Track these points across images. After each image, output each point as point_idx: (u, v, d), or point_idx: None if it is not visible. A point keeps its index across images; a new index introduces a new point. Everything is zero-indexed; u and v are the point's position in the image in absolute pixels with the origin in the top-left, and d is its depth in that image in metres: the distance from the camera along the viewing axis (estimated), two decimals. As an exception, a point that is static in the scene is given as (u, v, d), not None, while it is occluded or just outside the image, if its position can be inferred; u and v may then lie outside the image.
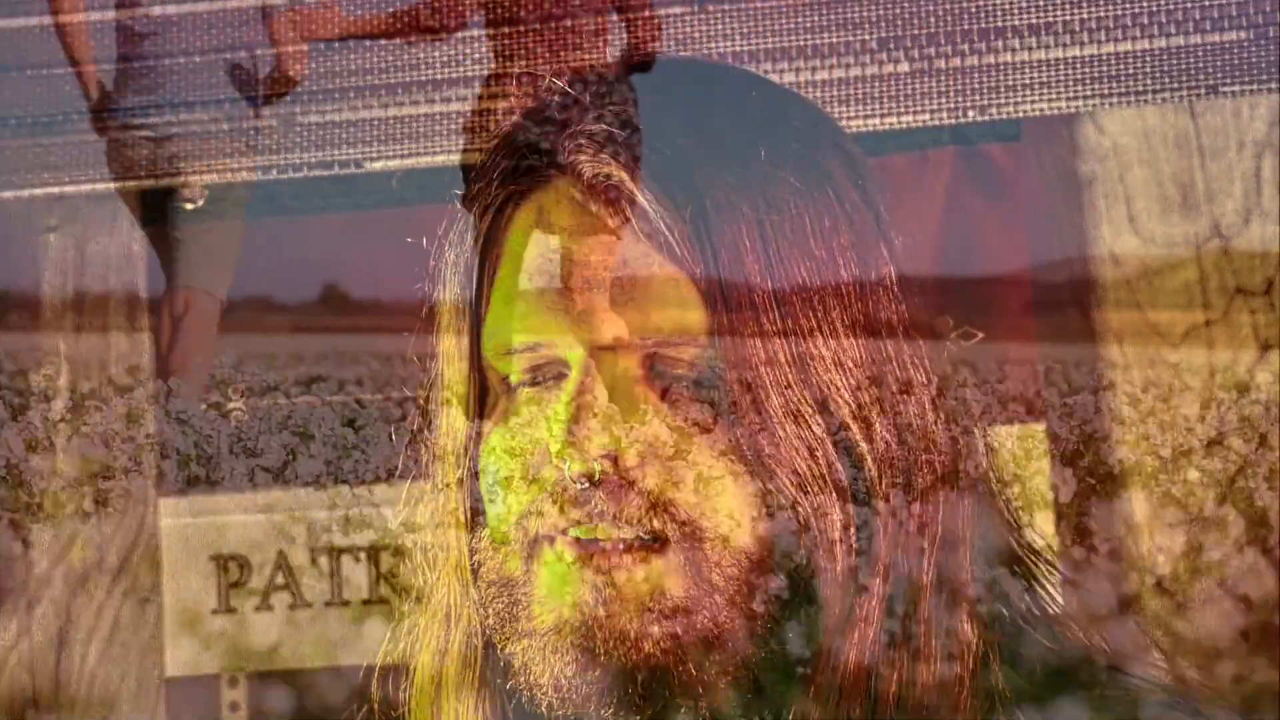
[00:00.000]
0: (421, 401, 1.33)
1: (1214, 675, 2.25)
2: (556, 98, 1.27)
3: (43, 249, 2.75)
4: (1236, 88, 2.40)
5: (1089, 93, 2.43)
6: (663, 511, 1.19)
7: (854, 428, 1.21)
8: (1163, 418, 2.46)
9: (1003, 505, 1.29)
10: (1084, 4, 2.42)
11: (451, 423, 1.29)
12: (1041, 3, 2.42)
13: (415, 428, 1.35)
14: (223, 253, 2.83)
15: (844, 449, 1.21)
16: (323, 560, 2.76)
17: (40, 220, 2.74)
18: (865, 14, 2.45)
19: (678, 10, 2.50)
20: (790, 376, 1.19)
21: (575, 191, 1.22)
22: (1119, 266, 2.48)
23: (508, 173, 1.26)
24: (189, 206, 2.69)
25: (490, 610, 1.24)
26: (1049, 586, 1.29)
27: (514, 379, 1.23)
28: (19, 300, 2.77)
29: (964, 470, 1.26)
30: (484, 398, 1.29)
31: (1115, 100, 2.43)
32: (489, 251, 1.27)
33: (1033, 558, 1.29)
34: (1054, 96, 2.43)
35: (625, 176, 1.20)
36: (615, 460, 1.18)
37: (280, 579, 2.77)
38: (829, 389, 1.20)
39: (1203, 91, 2.41)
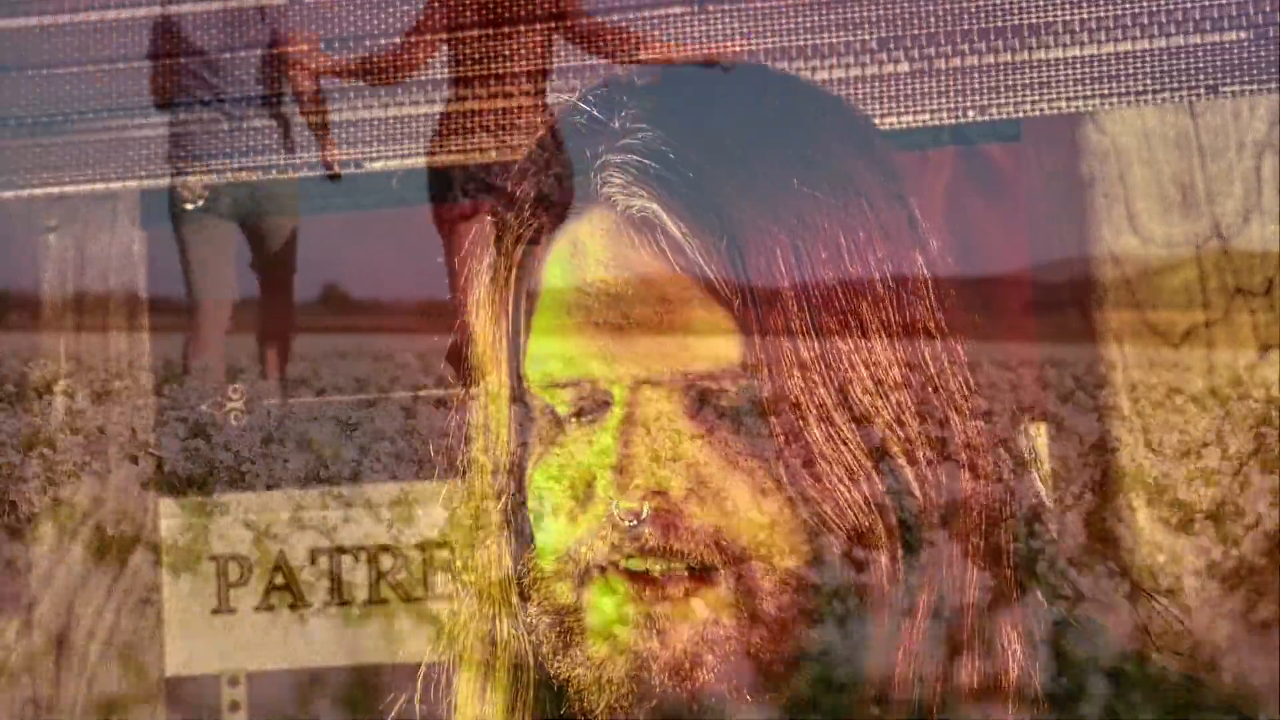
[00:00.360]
0: (464, 425, 1.33)
1: (1214, 675, 2.25)
2: (583, 120, 1.26)
3: (43, 249, 2.75)
4: (1236, 88, 2.40)
5: (1089, 93, 2.43)
6: (711, 544, 1.19)
7: (896, 449, 1.21)
8: (1162, 417, 2.46)
9: (1050, 514, 1.29)
10: (1084, 4, 2.42)
11: (494, 448, 1.29)
12: (1041, 3, 2.42)
13: (456, 452, 1.34)
14: (229, 256, 2.83)
15: (888, 471, 1.21)
16: (322, 560, 2.76)
17: (40, 220, 2.74)
18: (865, 14, 2.45)
19: (678, 10, 2.50)
20: (830, 403, 1.20)
21: (609, 223, 1.22)
22: (1119, 266, 2.48)
23: (540, 203, 1.26)
24: (189, 206, 2.69)
25: (542, 637, 1.24)
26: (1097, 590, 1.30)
27: (560, 410, 1.23)
28: (19, 300, 2.77)
29: (1008, 483, 1.25)
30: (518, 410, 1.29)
31: (1115, 100, 2.43)
32: (523, 280, 1.26)
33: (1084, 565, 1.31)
34: (1054, 96, 2.43)
35: (658, 208, 1.20)
36: (663, 494, 1.19)
37: (280, 579, 2.77)
38: (869, 412, 1.20)
39: (1203, 91, 2.41)
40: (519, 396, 1.27)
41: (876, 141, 1.30)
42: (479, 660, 1.30)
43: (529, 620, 1.26)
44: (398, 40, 2.59)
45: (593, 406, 1.22)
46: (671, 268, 1.20)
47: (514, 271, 1.27)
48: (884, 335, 1.21)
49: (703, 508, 1.19)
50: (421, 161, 2.64)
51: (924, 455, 1.22)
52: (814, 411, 1.19)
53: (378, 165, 2.65)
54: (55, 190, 2.68)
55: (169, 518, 2.76)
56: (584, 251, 1.22)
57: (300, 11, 2.61)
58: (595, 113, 1.26)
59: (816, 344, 1.19)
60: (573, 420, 1.23)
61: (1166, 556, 2.41)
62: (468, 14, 2.57)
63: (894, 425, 1.21)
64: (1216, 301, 2.47)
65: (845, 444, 1.19)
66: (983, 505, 1.24)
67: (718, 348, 1.19)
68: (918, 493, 1.22)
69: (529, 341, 1.25)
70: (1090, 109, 2.45)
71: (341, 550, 2.76)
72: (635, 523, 1.18)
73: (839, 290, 1.20)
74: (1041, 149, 2.52)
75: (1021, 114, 2.44)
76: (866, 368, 1.20)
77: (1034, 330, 2.50)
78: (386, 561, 2.76)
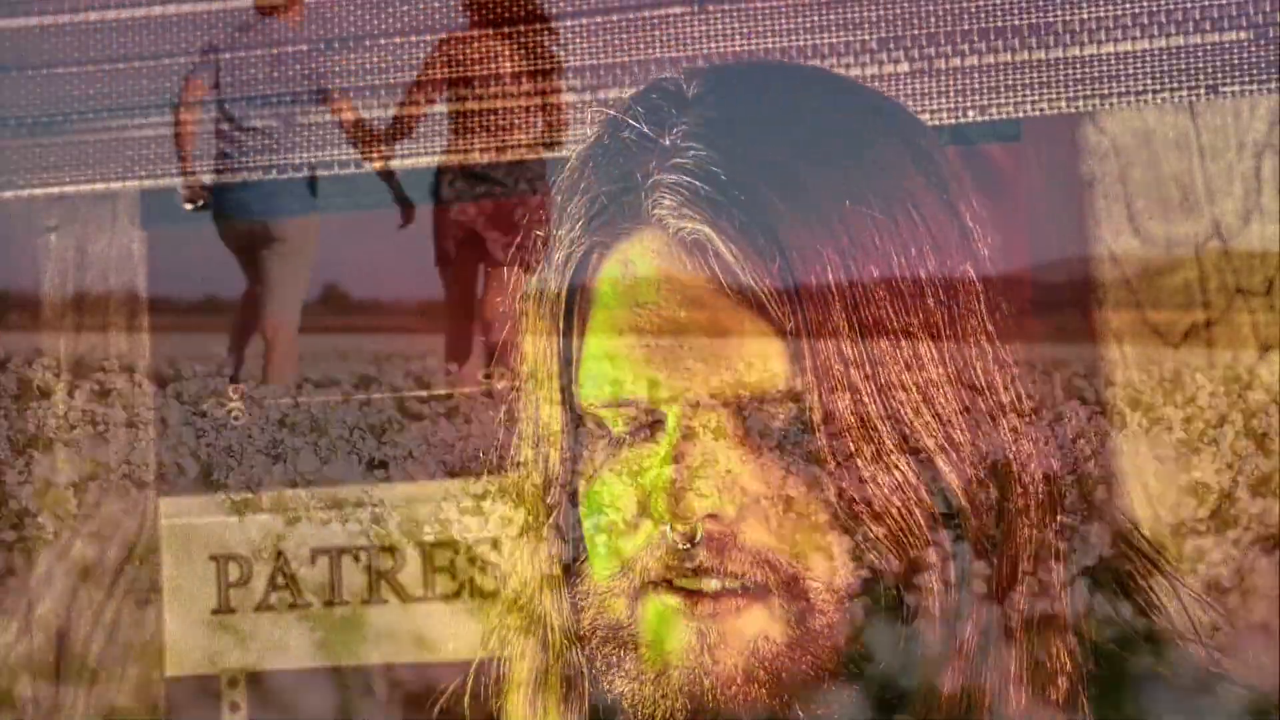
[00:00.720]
0: (515, 435, 1.32)
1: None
2: (633, 135, 1.25)
3: (43, 249, 2.75)
4: (1236, 88, 2.40)
5: (1089, 93, 2.43)
6: (764, 562, 1.20)
7: (947, 468, 1.21)
8: (1163, 417, 2.46)
9: (1112, 521, 1.29)
10: (1084, 4, 2.42)
11: (546, 461, 1.29)
12: (1041, 3, 2.42)
13: (508, 459, 1.34)
14: (303, 265, 2.86)
15: (939, 491, 1.21)
16: (322, 560, 2.76)
17: (40, 220, 2.74)
18: (865, 14, 2.45)
19: (678, 10, 2.50)
20: (880, 424, 1.20)
21: (660, 244, 1.22)
22: (1119, 266, 2.48)
23: (590, 221, 1.25)
24: (189, 206, 2.69)
25: (597, 651, 1.25)
26: (1161, 599, 1.29)
27: (614, 429, 1.24)
28: (19, 300, 2.77)
29: (1061, 490, 1.26)
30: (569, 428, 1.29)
31: (1115, 100, 2.43)
32: (573, 297, 1.26)
33: (1144, 568, 1.30)
34: (1054, 96, 2.43)
35: (710, 231, 1.20)
36: (716, 517, 1.19)
37: (280, 579, 2.77)
38: (920, 432, 1.21)
39: (1203, 91, 2.41)
40: (572, 412, 1.26)
41: (930, 147, 1.29)
42: (530, 670, 1.31)
43: (581, 633, 1.26)
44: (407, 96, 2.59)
45: (646, 426, 1.23)
46: (724, 291, 1.19)
47: (564, 289, 1.26)
48: (935, 353, 1.22)
49: (755, 528, 1.20)
50: (421, 161, 2.64)
51: (976, 475, 1.22)
52: (864, 433, 1.19)
53: (378, 165, 2.65)
54: (55, 190, 2.68)
55: (169, 518, 2.76)
56: (636, 273, 1.22)
57: (300, 11, 2.61)
58: (645, 128, 1.25)
59: (868, 365, 1.19)
60: (626, 439, 1.23)
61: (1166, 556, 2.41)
62: (468, 14, 2.57)
63: (946, 445, 1.21)
64: (1216, 301, 2.47)
65: (896, 466, 1.20)
66: (1036, 523, 1.24)
67: (770, 370, 1.20)
68: (970, 513, 1.22)
69: (582, 359, 1.25)
70: (1090, 109, 2.45)
71: (341, 550, 2.76)
72: (689, 546, 1.19)
73: (890, 309, 1.20)
74: (1041, 149, 2.52)
75: (1021, 114, 2.44)
76: (918, 388, 1.21)
77: (1034, 330, 2.50)
78: (386, 561, 2.76)
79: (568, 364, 1.25)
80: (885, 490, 1.20)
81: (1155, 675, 1.25)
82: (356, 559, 2.76)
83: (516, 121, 2.59)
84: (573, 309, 1.25)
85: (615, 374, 1.22)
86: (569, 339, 1.25)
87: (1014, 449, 1.24)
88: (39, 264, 2.75)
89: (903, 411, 1.20)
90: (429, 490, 2.76)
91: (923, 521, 1.20)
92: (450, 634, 2.76)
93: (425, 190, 2.87)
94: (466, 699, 1.37)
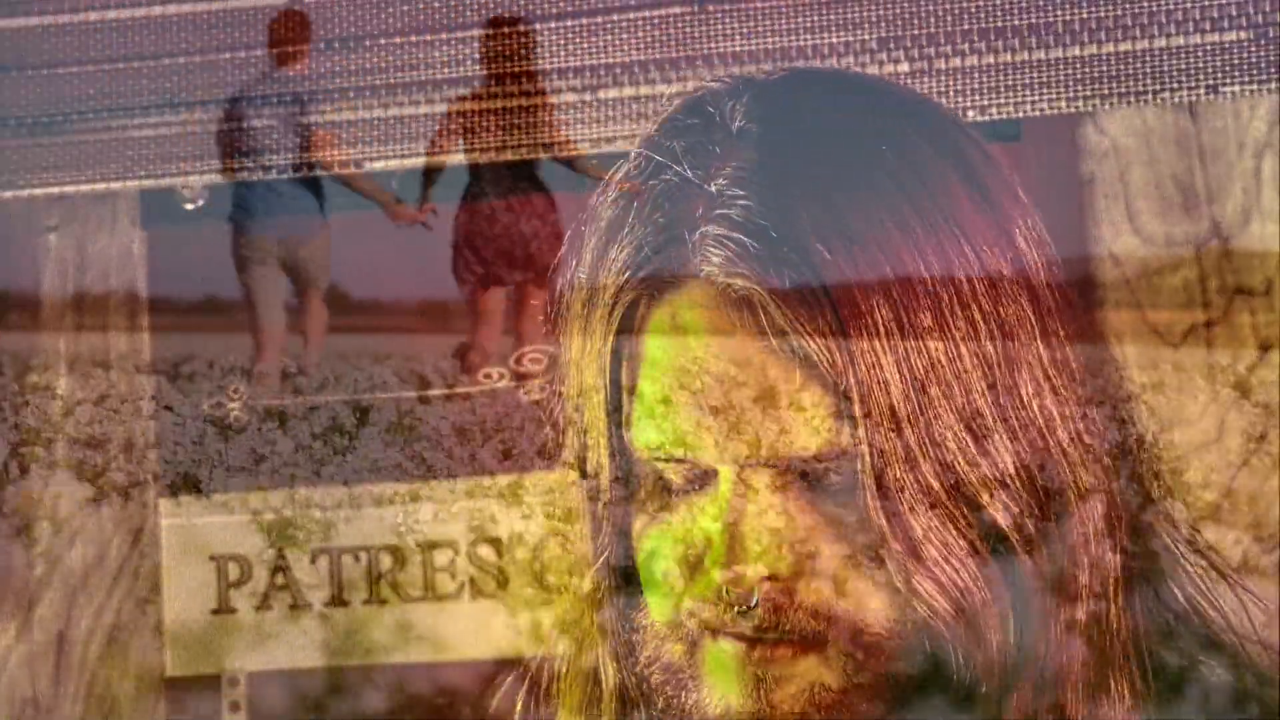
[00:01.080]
0: (564, 462, 1.31)
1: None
2: (676, 179, 1.22)
3: (43, 249, 2.75)
4: (1236, 88, 2.40)
5: (1089, 93, 2.43)
6: (821, 617, 1.20)
7: (1000, 515, 1.20)
8: (1162, 417, 2.46)
9: (1170, 529, 1.28)
10: (1084, 4, 2.42)
11: (596, 502, 1.28)
12: (1041, 3, 2.42)
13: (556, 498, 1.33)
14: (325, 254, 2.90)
15: (994, 544, 1.20)
16: (322, 560, 2.76)
17: (40, 220, 2.74)
18: (865, 14, 2.45)
19: (678, 10, 2.50)
20: (934, 479, 1.18)
21: (708, 298, 1.20)
22: (1119, 266, 2.48)
23: (635, 270, 1.23)
24: (189, 206, 2.69)
25: (655, 691, 1.25)
26: (1220, 603, 1.28)
27: (669, 479, 1.23)
28: (19, 300, 2.77)
29: (1120, 514, 1.24)
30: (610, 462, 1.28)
31: (1115, 100, 2.43)
32: (620, 340, 1.24)
33: (1202, 571, 1.28)
34: (1054, 96, 2.43)
35: (758, 287, 1.18)
36: (773, 576, 1.19)
37: (280, 579, 2.77)
38: (976, 487, 1.19)
39: (1203, 91, 2.41)
40: (621, 456, 1.25)
41: (980, 163, 1.27)
42: (582, 699, 1.31)
43: (638, 670, 1.26)
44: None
45: (700, 479, 1.21)
46: (774, 349, 1.18)
47: (609, 338, 1.24)
48: (990, 399, 1.20)
49: (811, 585, 1.19)
50: (421, 161, 2.64)
51: (1034, 526, 1.21)
52: (917, 486, 1.18)
53: (378, 165, 2.65)
54: (55, 190, 2.68)
55: (169, 518, 2.76)
56: (684, 328, 1.21)
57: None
58: (689, 173, 1.22)
59: (920, 418, 1.18)
60: (680, 491, 1.22)
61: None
62: (468, 14, 2.57)
63: (1001, 493, 1.20)
64: (1216, 301, 2.47)
65: (948, 522, 1.19)
66: (1096, 557, 1.23)
67: (821, 426, 1.18)
68: (1025, 555, 1.21)
69: (634, 411, 1.24)
70: (1090, 109, 2.45)
71: (342, 550, 2.76)
72: (746, 608, 1.19)
73: (944, 357, 1.19)
74: (1041, 149, 2.52)
75: (1021, 114, 2.44)
76: (973, 436, 1.19)
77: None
78: (386, 561, 2.76)
79: (615, 410, 1.23)
80: (938, 548, 1.18)
81: (1216, 679, 1.25)
82: (357, 559, 2.76)
83: (517, 122, 2.59)
84: (619, 353, 1.23)
85: (667, 430, 1.21)
86: (616, 388, 1.23)
87: (1072, 482, 1.22)
88: (39, 264, 2.75)
89: (957, 462, 1.19)
90: (429, 490, 2.76)
91: (977, 571, 1.19)
92: (450, 634, 2.76)
93: (432, 190, 2.87)
94: (518, 709, 1.36)
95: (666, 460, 1.21)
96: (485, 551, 2.75)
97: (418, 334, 2.99)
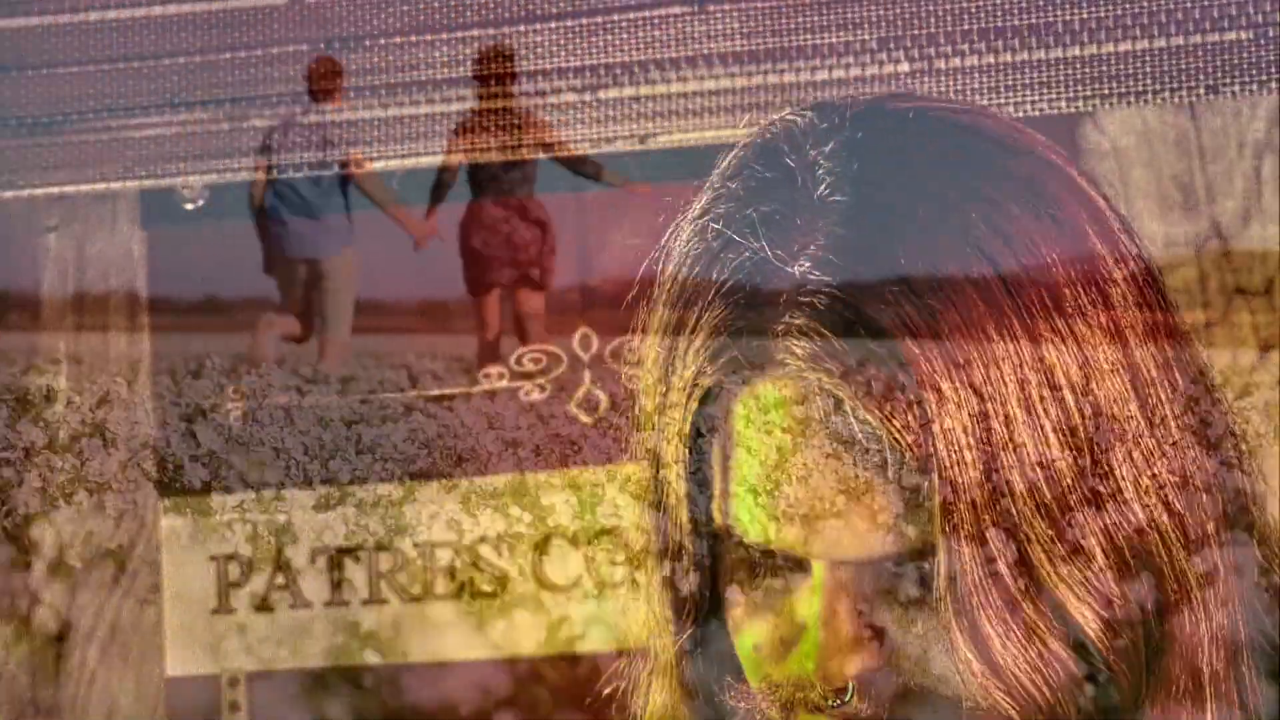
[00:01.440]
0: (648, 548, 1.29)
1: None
2: (752, 255, 1.17)
3: (43, 249, 2.75)
4: (1236, 88, 2.40)
5: (1089, 93, 2.43)
6: (917, 701, 1.19)
7: (1090, 622, 1.15)
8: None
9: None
10: (1084, 4, 2.42)
11: (687, 575, 1.27)
12: (1041, 3, 2.42)
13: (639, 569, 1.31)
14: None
15: (1081, 641, 1.16)
16: (322, 560, 2.76)
17: (40, 220, 2.74)
18: (865, 14, 2.46)
19: (678, 10, 2.50)
20: (1020, 588, 1.14)
21: (794, 393, 1.16)
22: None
23: (715, 357, 1.18)
24: (189, 206, 2.69)
25: None
26: None
27: (759, 559, 1.20)
28: (19, 300, 2.77)
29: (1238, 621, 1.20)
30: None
31: (1115, 100, 2.43)
32: (698, 432, 1.20)
33: None
34: (1054, 96, 2.43)
35: (844, 386, 1.14)
36: (864, 673, 1.17)
37: (280, 579, 2.77)
38: (1063, 583, 1.15)
39: (1203, 91, 2.41)
40: (705, 531, 1.22)
41: (1088, 221, 1.22)
42: None
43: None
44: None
45: (793, 563, 1.19)
46: (862, 444, 1.15)
47: (687, 423, 1.20)
48: (1084, 494, 1.16)
49: (903, 676, 1.17)
50: (422, 161, 2.65)
51: (1130, 632, 1.16)
52: (996, 597, 1.15)
53: (378, 165, 2.65)
54: (55, 190, 2.68)
55: (169, 518, 2.76)
56: (773, 421, 1.17)
57: (300, 11, 2.61)
58: (770, 253, 1.16)
59: (1009, 519, 1.15)
60: (772, 570, 1.20)
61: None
62: (468, 14, 2.57)
63: (1093, 598, 1.16)
64: (1216, 301, 2.47)
65: (1030, 632, 1.15)
66: (1203, 641, 1.19)
67: (913, 528, 1.15)
68: (1115, 659, 1.16)
69: (727, 494, 1.20)
70: (1090, 109, 2.45)
71: (342, 550, 2.76)
72: (840, 702, 1.18)
73: (1030, 456, 1.15)
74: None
75: (1021, 114, 2.44)
76: (1062, 544, 1.15)
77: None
78: (386, 561, 2.76)
79: (701, 486, 1.20)
80: (1017, 651, 1.15)
81: None
82: (357, 559, 2.76)
83: (517, 121, 2.59)
84: (700, 444, 1.20)
85: (759, 521, 1.18)
86: (705, 467, 1.21)
87: (1175, 573, 1.18)
88: (39, 264, 2.75)
89: (1036, 562, 1.14)
90: (429, 490, 2.76)
91: (1060, 682, 1.15)
92: (450, 634, 2.76)
93: (426, 190, 2.87)
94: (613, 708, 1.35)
95: (759, 550, 1.19)
96: (485, 551, 2.75)
97: (418, 334, 2.99)
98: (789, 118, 1.22)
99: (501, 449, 2.79)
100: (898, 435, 1.13)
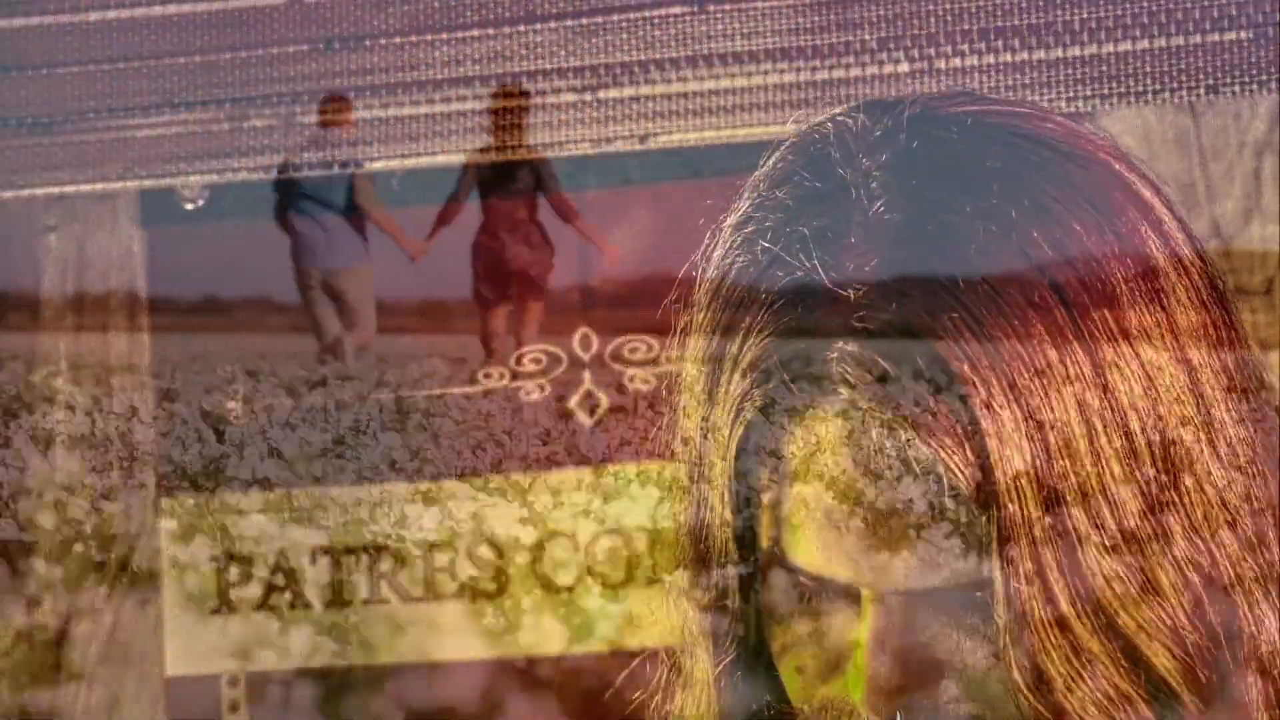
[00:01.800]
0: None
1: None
2: (800, 276, 1.12)
3: (43, 249, 2.75)
4: (1236, 88, 2.40)
5: (1089, 93, 2.43)
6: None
7: (1160, 657, 1.11)
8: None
9: None
10: (1084, 4, 2.42)
11: (731, 603, 1.23)
12: (1041, 3, 2.42)
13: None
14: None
15: (1149, 678, 1.13)
16: (322, 560, 2.76)
17: (40, 220, 2.74)
18: (865, 14, 2.45)
19: (678, 10, 2.50)
20: (1077, 622, 1.10)
21: (850, 428, 1.12)
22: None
23: (767, 378, 1.14)
24: (189, 206, 2.69)
25: None
26: None
27: (807, 585, 1.17)
28: (19, 300, 2.77)
29: None
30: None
31: (1115, 100, 2.43)
32: (746, 446, 1.16)
33: None
34: (1054, 96, 2.43)
35: (900, 416, 1.10)
36: (912, 704, 1.13)
37: (280, 579, 2.77)
38: (1126, 624, 1.12)
39: (1203, 91, 2.41)
40: (754, 557, 1.19)
41: (1151, 235, 1.19)
42: None
43: None
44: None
45: (841, 589, 1.15)
46: (916, 474, 1.11)
47: (732, 446, 1.16)
48: (1146, 528, 1.12)
49: (952, 708, 1.13)
50: (422, 161, 2.64)
51: (1206, 671, 1.12)
52: (1058, 636, 1.10)
53: (378, 165, 2.65)
54: (55, 190, 2.68)
55: (169, 518, 2.76)
56: (825, 450, 1.13)
57: (300, 11, 2.61)
58: (823, 275, 1.11)
59: (1064, 556, 1.10)
60: (819, 594, 1.16)
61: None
62: (468, 14, 2.57)
63: (1158, 633, 1.12)
64: (1216, 301, 2.47)
65: (1097, 673, 1.11)
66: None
67: (965, 562, 1.11)
68: (1187, 690, 1.12)
69: (783, 523, 1.16)
70: (1090, 109, 2.45)
71: (342, 550, 2.76)
72: None
73: (1094, 485, 1.10)
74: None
75: (1021, 114, 2.44)
76: (1123, 577, 1.11)
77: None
78: (387, 561, 2.76)
79: (744, 506, 1.17)
80: (1084, 700, 1.11)
81: None
82: (357, 559, 2.76)
83: (518, 121, 2.59)
84: (744, 465, 1.16)
85: (811, 552, 1.14)
86: (751, 489, 1.17)
87: (1248, 602, 1.14)
88: (39, 264, 2.75)
89: (1103, 600, 1.10)
90: (429, 490, 2.76)
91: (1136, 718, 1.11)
92: (449, 635, 2.76)
93: (426, 190, 2.87)
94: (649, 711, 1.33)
95: (812, 579, 1.15)
96: (485, 552, 2.75)
97: (418, 334, 2.99)
98: (840, 119, 1.17)
99: (501, 449, 2.78)
100: (956, 468, 1.09)
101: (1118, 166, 1.26)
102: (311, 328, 2.95)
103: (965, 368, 1.09)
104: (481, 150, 2.62)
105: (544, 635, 2.75)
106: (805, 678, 1.17)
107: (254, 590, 2.76)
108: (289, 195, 2.89)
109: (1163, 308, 1.16)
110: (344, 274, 2.97)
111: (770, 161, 1.19)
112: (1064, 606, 1.10)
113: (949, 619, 1.13)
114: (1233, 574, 1.13)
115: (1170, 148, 2.48)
